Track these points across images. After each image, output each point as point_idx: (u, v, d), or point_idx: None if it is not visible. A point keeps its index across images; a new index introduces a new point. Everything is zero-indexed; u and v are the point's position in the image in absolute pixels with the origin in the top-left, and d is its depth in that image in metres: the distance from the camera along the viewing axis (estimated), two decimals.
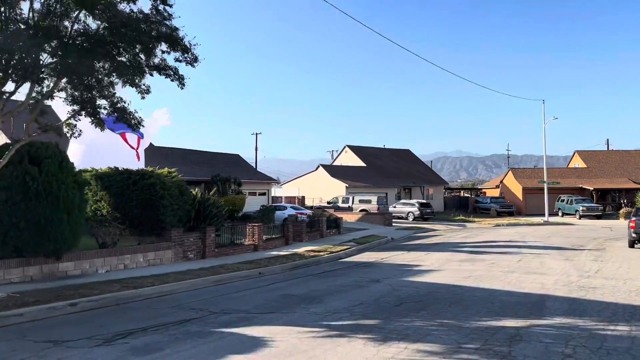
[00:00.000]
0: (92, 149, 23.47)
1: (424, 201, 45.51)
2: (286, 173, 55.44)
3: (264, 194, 39.04)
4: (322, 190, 47.49)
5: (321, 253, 19.67)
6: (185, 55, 10.66)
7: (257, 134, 68.62)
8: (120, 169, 17.44)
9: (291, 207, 34.10)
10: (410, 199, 52.21)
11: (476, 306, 9.89)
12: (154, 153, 33.75)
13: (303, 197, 43.27)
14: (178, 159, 34.76)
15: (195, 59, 10.75)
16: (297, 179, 51.17)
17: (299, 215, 30.41)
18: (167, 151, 35.41)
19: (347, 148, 56.54)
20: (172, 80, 10.71)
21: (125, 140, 24.31)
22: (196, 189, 19.41)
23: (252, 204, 35.24)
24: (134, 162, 24.38)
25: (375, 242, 25.61)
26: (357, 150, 56.17)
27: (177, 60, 10.78)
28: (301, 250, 20.43)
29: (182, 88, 10.78)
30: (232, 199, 31.70)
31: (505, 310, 9.52)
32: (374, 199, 41.70)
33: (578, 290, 11.66)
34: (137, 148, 24.79)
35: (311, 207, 43.98)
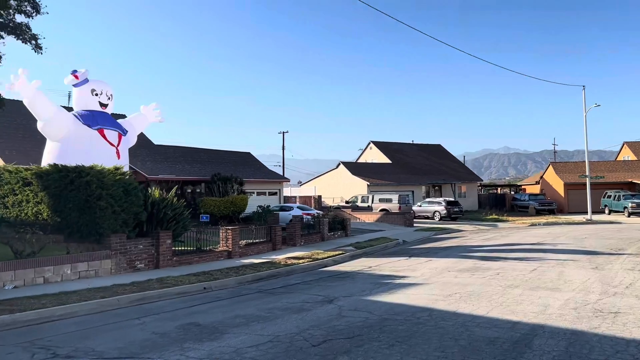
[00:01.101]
0: (67, 147, 21.55)
1: (452, 199, 41.94)
2: (313, 173, 52.72)
3: (274, 193, 36.50)
4: (343, 189, 44.62)
5: (302, 261, 16.87)
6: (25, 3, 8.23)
7: (284, 132, 66.41)
8: (59, 165, 15.15)
9: (297, 207, 31.41)
10: (441, 196, 48.69)
11: (430, 345, 6.92)
12: (153, 152, 31.76)
13: (319, 197, 40.52)
14: (180, 158, 32.68)
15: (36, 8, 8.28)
16: (317, 178, 48.43)
17: (304, 216, 27.77)
18: (169, 150, 33.36)
19: (371, 144, 53.36)
20: (24, 42, 8.30)
21: (104, 136, 22.21)
22: (153, 189, 16.97)
23: (264, 204, 32.77)
24: (113, 160, 22.30)
25: (380, 245, 22.64)
26: (382, 146, 52.92)
27: (19, 11, 8.35)
28: (282, 257, 17.70)
29: (38, 52, 8.34)
30: (233, 200, 29.33)
31: (468, 355, 6.53)
32: (395, 197, 38.51)
33: (591, 318, 8.47)
34: (118, 145, 22.64)
35: (329, 207, 41.22)
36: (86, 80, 22.73)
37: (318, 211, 31.15)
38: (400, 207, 37.98)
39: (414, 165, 51.23)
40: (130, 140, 24.24)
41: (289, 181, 38.20)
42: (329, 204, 43.51)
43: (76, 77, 22.30)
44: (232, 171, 34.16)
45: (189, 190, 30.58)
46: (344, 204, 41.00)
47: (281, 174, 67.32)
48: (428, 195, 48.59)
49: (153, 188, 17.01)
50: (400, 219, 35.27)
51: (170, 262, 15.44)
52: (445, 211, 39.85)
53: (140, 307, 10.44)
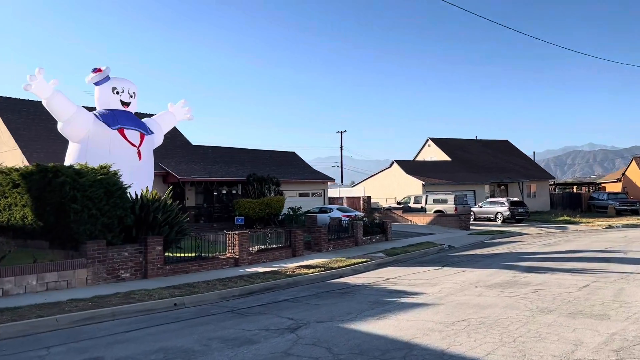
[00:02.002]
0: (87, 148, 20.70)
1: (516, 199, 38.26)
2: (370, 173, 50.33)
3: (319, 194, 34.55)
4: (398, 189, 41.97)
5: (312, 270, 14.77)
6: None
7: (341, 132, 64.42)
8: (41, 165, 13.89)
9: (337, 209, 29.28)
10: (507, 196, 44.92)
11: None
12: (189, 152, 30.73)
13: (368, 198, 38.10)
14: (218, 158, 31.47)
15: None
16: (371, 178, 45.96)
17: (343, 219, 25.69)
18: (207, 150, 32.22)
19: (430, 141, 50.15)
20: None
21: (124, 136, 21.20)
22: (144, 190, 15.43)
23: (306, 206, 30.95)
24: (134, 161, 21.24)
25: (418, 252, 20.15)
26: (442, 143, 49.60)
27: None
28: (293, 265, 15.68)
29: None
30: (268, 201, 27.68)
31: None
32: (450, 198, 35.49)
33: None
34: (139, 145, 21.56)
35: (379, 209, 38.80)
36: (107, 78, 21.79)
37: (358, 213, 28.89)
38: (456, 209, 34.95)
39: (477, 163, 47.62)
40: (156, 140, 23.13)
41: (334, 181, 36.14)
42: (382, 205, 41.06)
43: (97, 73, 21.45)
44: (273, 172, 32.57)
45: (224, 192, 29.24)
46: (395, 205, 38.40)
47: (339, 174, 65.43)
48: (492, 196, 44.96)
49: (145, 190, 15.48)
50: (455, 221, 32.31)
51: (162, 272, 13.82)
52: (508, 212, 36.34)
53: (76, 329, 8.77)
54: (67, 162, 20.96)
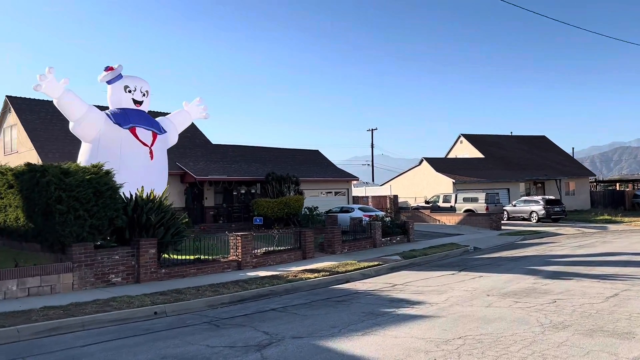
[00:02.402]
0: (98, 148, 20.33)
1: (552, 197, 36.31)
2: (400, 171, 48.92)
3: (342, 193, 33.50)
4: (427, 187, 40.53)
5: (316, 275, 13.79)
6: None
7: (372, 130, 63.24)
8: (31, 164, 13.36)
9: (359, 208, 28.17)
10: (544, 194, 42.90)
11: None
12: (209, 151, 30.18)
13: (395, 197, 36.77)
14: (238, 157, 30.81)
15: None
16: (401, 176, 44.55)
17: (364, 218, 24.64)
18: (227, 149, 31.60)
19: (462, 138, 48.34)
20: None
21: (136, 135, 20.72)
22: (139, 189, 14.71)
23: (328, 205, 30.02)
24: (146, 160, 20.76)
25: (439, 254, 18.96)
26: (474, 139, 47.73)
27: None
28: (298, 269, 14.75)
29: None
30: (286, 200, 26.84)
31: None
32: (481, 196, 33.89)
33: None
34: (152, 145, 21.04)
35: (407, 208, 37.48)
36: (120, 77, 21.33)
37: (380, 212, 27.72)
38: (487, 208, 33.35)
39: (511, 160, 45.63)
40: (170, 139, 22.58)
41: (358, 180, 35.05)
42: (411, 204, 39.73)
43: (109, 72, 21.04)
44: (295, 170, 31.74)
45: (243, 191, 28.56)
46: (423, 204, 37.01)
47: (370, 173, 64.15)
48: (528, 194, 42.99)
49: (140, 189, 14.79)
50: (486, 221, 30.76)
51: (156, 276, 13.10)
52: (543, 211, 34.47)
53: (36, 342, 8.06)
54: (81, 163, 20.69)
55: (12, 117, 27.45)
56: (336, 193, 33.26)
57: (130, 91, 21.09)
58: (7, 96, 27.45)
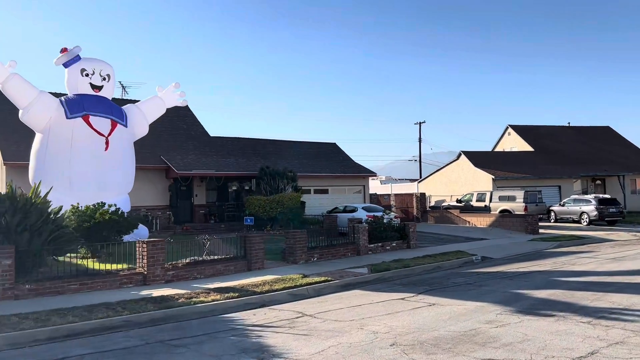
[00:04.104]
0: (48, 138, 18.29)
1: (607, 196, 31.04)
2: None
3: (358, 191, 29.97)
4: (465, 184, 36.13)
5: (219, 297, 10.58)
6: None
7: (420, 123, 58.95)
8: None
9: (363, 207, 24.61)
10: (605, 192, 37.40)
11: None
12: (203, 144, 27.61)
13: (422, 195, 32.55)
14: (237, 151, 28.07)
15: None
16: (437, 172, 40.18)
17: (366, 219, 21.21)
18: (226, 142, 28.89)
19: (509, 129, 43.23)
20: None
21: (89, 124, 18.50)
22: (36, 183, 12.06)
23: (340, 204, 26.65)
24: (100, 151, 18.52)
25: (428, 266, 15.37)
26: (523, 130, 42.51)
27: None
28: (219, 285, 11.64)
29: None
30: (279, 199, 23.80)
31: None
32: (519, 194, 29.30)
33: None
34: (109, 135, 18.73)
35: (438, 208, 33.39)
36: (77, 58, 19.15)
37: (381, 213, 24.11)
38: (526, 208, 28.77)
39: (566, 154, 40.18)
40: (138, 129, 20.18)
41: (376, 176, 31.37)
42: (447, 203, 35.44)
43: (64, 54, 18.88)
44: (304, 165, 28.62)
45: (234, 188, 25.73)
46: (454, 203, 32.75)
47: (417, 169, 59.81)
48: (586, 192, 37.58)
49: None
50: (521, 223, 26.32)
51: (12, 293, 10.38)
52: (595, 212, 29.37)
53: None
54: (31, 155, 18.62)
55: None
56: (350, 190, 29.77)
57: (87, 75, 18.84)
58: None
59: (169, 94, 21.07)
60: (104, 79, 19.15)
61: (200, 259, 13.46)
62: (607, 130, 46.36)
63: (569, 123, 46.69)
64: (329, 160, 30.44)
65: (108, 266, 12.32)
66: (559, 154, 39.88)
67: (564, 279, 12.27)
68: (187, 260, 13.23)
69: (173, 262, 12.88)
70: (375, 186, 40.13)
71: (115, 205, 15.11)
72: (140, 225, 19.66)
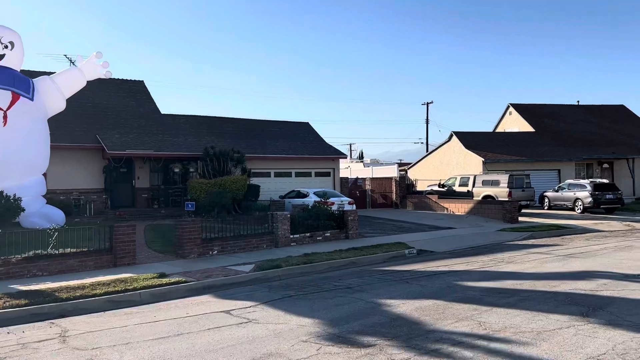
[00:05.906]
0: None
1: (604, 181, 27.82)
2: None
3: (326, 174, 27.46)
4: (456, 167, 33.24)
5: None
6: None
7: (427, 103, 55.78)
8: None
9: (314, 192, 22.16)
10: (612, 177, 34.04)
11: None
12: (151, 122, 25.50)
13: (402, 178, 29.35)
14: (190, 130, 25.86)
15: None
16: (430, 155, 37.19)
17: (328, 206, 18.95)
18: (178, 120, 26.71)
19: (510, 108, 39.80)
20: None
21: None
22: None
23: (306, 187, 24.27)
24: None
25: (335, 263, 12.84)
26: (525, 109, 39.00)
27: None
28: (25, 289, 9.48)
29: None
30: (222, 182, 21.59)
31: None
32: (503, 179, 26.34)
33: None
34: (7, 109, 16.79)
35: (420, 193, 30.70)
36: None
37: (344, 198, 21.65)
38: (510, 193, 25.81)
39: (571, 134, 36.70)
40: (51, 104, 18.14)
41: (346, 157, 28.77)
42: (429, 187, 32.59)
43: None
44: (267, 146, 26.31)
45: (176, 170, 23.56)
46: (437, 188, 29.95)
47: (424, 150, 56.73)
48: (591, 176, 34.21)
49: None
50: (499, 211, 23.53)
51: None
52: (590, 199, 26.31)
53: None
54: None
55: None
56: (318, 174, 27.32)
57: None
58: None
59: (89, 64, 18.91)
60: (6, 46, 17.12)
61: (45, 252, 11.31)
62: (620, 109, 42.36)
63: (577, 101, 42.87)
64: (296, 141, 28.00)
65: None
66: (563, 134, 36.45)
67: (468, 284, 9.70)
68: (27, 255, 11.10)
69: (4, 257, 10.76)
70: (358, 169, 37.41)
71: None
72: (54, 209, 17.82)
